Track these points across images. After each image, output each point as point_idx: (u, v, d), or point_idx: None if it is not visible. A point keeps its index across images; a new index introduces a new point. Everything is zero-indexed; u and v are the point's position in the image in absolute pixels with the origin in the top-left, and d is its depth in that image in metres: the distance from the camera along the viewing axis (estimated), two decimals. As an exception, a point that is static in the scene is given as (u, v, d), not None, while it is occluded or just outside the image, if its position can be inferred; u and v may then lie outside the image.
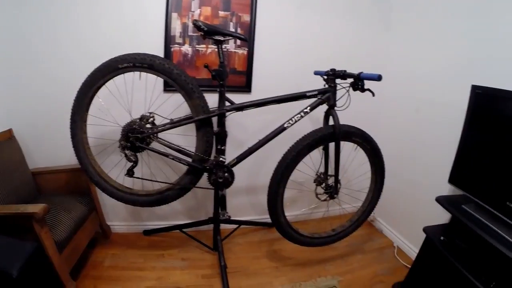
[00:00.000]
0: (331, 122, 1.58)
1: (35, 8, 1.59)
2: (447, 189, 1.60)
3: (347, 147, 1.67)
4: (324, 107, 1.58)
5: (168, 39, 1.73)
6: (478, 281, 1.14)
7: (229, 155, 1.59)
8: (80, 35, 1.67)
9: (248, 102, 1.50)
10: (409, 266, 1.66)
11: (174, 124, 1.47)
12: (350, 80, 1.45)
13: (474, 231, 1.20)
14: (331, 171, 1.71)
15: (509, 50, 1.35)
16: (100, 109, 1.61)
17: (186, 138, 1.68)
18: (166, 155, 1.51)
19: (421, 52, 1.87)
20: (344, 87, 1.52)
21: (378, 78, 1.30)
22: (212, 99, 1.54)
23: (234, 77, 1.89)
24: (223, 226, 2.00)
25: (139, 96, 1.69)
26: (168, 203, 1.63)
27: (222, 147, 1.56)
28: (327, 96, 1.54)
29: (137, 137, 1.45)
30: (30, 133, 1.77)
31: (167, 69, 1.38)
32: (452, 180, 1.52)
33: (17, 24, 1.60)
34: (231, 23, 1.80)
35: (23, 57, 1.65)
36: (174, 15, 1.71)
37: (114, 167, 1.68)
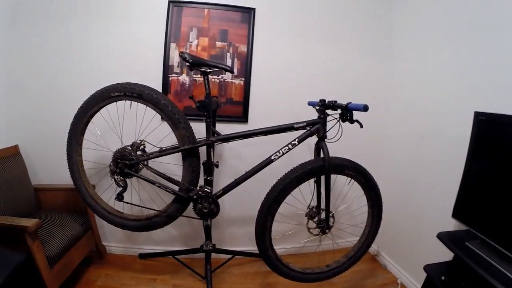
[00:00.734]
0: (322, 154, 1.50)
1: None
2: (452, 224, 1.48)
3: (342, 180, 1.58)
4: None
5: (166, 69, 1.79)
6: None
7: (225, 184, 1.57)
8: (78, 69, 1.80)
9: (234, 133, 1.50)
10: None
11: (162, 152, 1.50)
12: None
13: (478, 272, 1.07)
14: (324, 205, 1.61)
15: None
16: (95, 134, 1.68)
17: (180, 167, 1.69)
18: (153, 182, 1.53)
19: (423, 80, 1.80)
20: (335, 118, 1.47)
21: (364, 108, 1.24)
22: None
23: (231, 107, 1.90)
24: (218, 255, 1.96)
25: (134, 123, 1.71)
26: (155, 229, 1.63)
27: (209, 178, 1.55)
28: (316, 128, 1.49)
29: (125, 163, 1.49)
30: (35, 150, 1.88)
31: (155, 99, 1.42)
32: (456, 214, 1.39)
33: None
34: (228, 54, 1.83)
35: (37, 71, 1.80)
36: (173, 45, 1.77)
37: (104, 191, 1.73)
